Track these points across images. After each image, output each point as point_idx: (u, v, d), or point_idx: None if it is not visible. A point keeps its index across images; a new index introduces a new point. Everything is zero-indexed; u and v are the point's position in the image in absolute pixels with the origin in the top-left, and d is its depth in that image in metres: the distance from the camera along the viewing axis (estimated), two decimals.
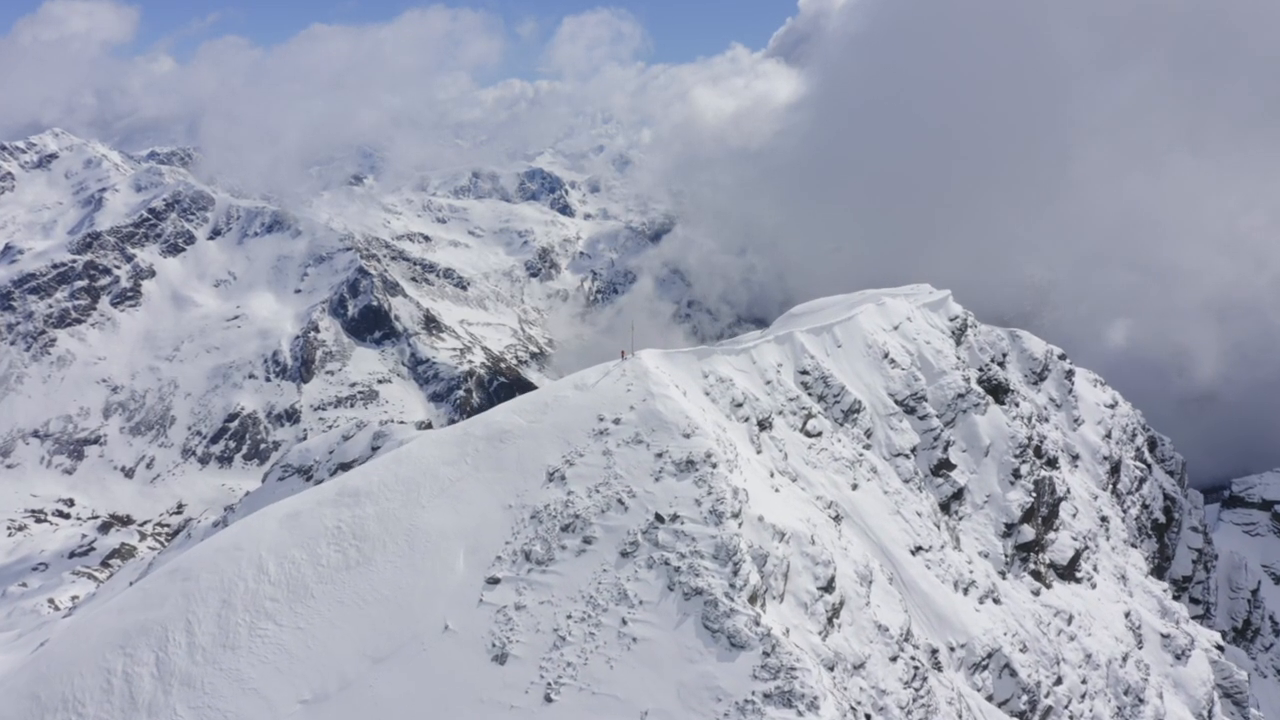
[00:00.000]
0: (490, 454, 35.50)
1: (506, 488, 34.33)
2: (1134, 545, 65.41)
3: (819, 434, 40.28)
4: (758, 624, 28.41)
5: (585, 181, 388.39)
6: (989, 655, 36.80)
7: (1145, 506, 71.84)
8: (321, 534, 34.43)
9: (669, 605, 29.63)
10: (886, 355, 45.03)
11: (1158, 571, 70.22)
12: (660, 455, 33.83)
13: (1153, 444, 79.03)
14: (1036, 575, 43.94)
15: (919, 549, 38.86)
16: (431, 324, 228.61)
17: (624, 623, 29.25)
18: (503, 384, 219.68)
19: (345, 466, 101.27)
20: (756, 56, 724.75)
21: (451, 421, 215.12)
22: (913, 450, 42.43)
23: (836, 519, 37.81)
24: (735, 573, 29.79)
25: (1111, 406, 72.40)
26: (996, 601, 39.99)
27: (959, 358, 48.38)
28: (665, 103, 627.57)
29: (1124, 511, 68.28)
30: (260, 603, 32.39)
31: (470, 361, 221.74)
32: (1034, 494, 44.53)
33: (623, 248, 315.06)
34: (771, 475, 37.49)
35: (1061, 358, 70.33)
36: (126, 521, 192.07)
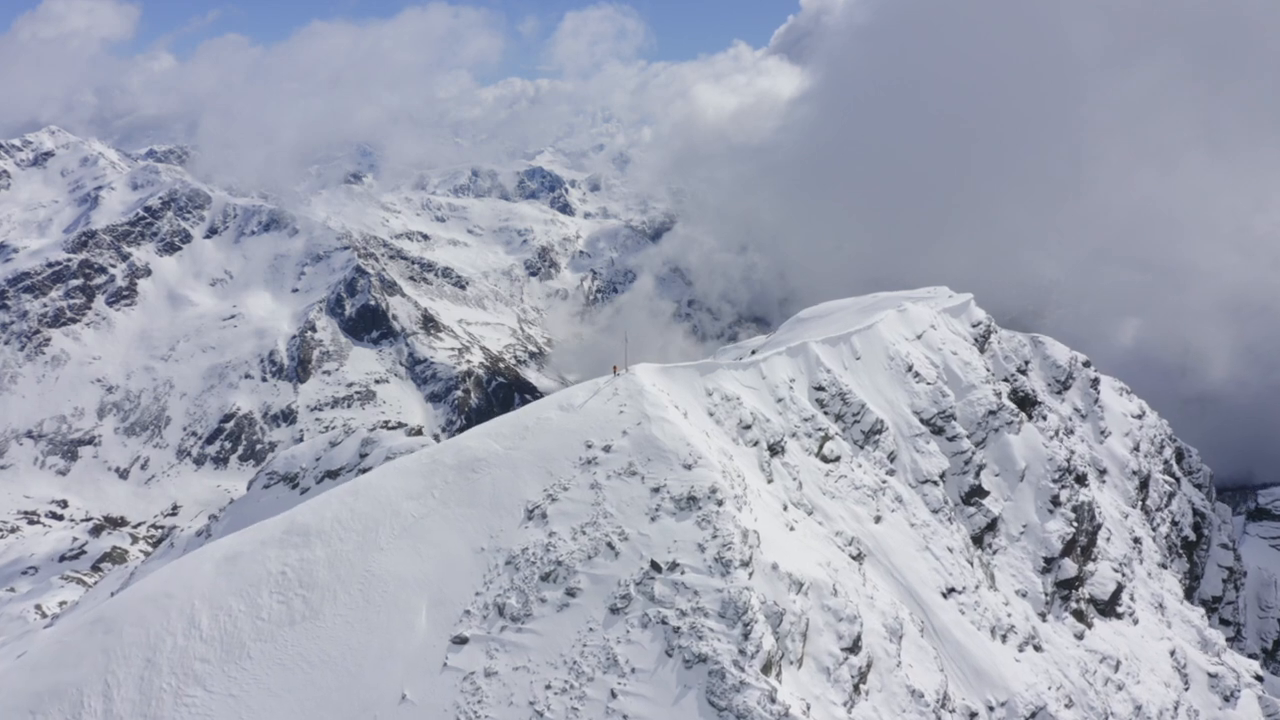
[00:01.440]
0: (461, 486, 30.34)
1: (478, 527, 29.20)
2: (1164, 566, 60.27)
3: (837, 459, 35.11)
4: (773, 701, 23.28)
5: (585, 180, 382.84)
6: (1033, 715, 31.66)
7: (1175, 523, 66.65)
8: (264, 581, 29.30)
9: (667, 674, 24.52)
10: (910, 368, 39.81)
11: (1188, 593, 65.09)
12: (657, 490, 28.68)
13: (1179, 455, 73.82)
14: (1078, 615, 38.76)
15: (951, 590, 33.70)
16: (429, 323, 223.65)
17: (613, 695, 24.16)
18: (501, 384, 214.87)
19: (332, 474, 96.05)
20: (759, 54, 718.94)
21: (449, 422, 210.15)
22: (941, 476, 37.24)
23: (858, 557, 32.64)
24: (746, 635, 24.64)
25: (1139, 417, 67.14)
26: (1038, 649, 34.86)
27: (988, 369, 43.16)
28: (666, 100, 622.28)
29: (1153, 530, 63.09)
30: (189, 663, 27.29)
31: (468, 361, 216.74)
32: (1075, 523, 39.36)
33: (622, 246, 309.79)
34: (785, 508, 32.32)
35: (1086, 364, 65.10)
36: (120, 523, 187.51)
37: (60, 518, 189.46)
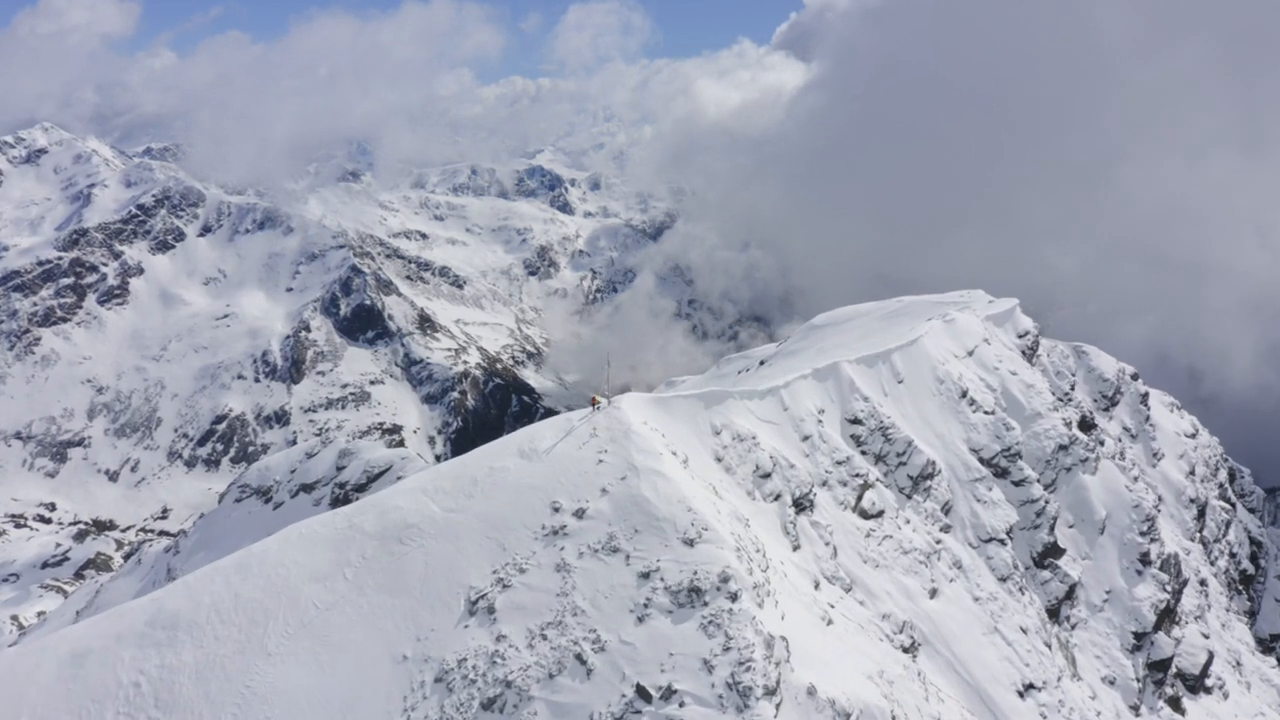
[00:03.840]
0: (383, 564, 21.93)
1: (402, 624, 20.81)
2: (1229, 609, 51.76)
3: (879, 513, 26.70)
4: None
5: (585, 179, 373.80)
6: None
7: (1233, 555, 58.12)
8: (110, 695, 20.86)
9: None
10: (965, 394, 31.39)
11: None
12: (647, 576, 20.31)
13: (1231, 476, 65.28)
14: (1173, 702, 30.36)
15: (1029, 687, 25.31)
16: (426, 323, 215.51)
17: None
18: (499, 385, 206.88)
19: (308, 488, 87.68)
20: (763, 50, 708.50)
21: (445, 424, 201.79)
22: (1008, 532, 28.81)
23: (912, 648, 24.23)
24: None
25: (1192, 436, 58.57)
26: None
27: (1054, 394, 34.67)
28: (668, 98, 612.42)
29: (1211, 564, 54.57)
30: None
31: (465, 362, 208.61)
32: (1169, 586, 31.00)
33: (622, 245, 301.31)
34: (817, 586, 23.89)
35: (1134, 377, 56.53)
36: (109, 527, 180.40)
37: (48, 521, 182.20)
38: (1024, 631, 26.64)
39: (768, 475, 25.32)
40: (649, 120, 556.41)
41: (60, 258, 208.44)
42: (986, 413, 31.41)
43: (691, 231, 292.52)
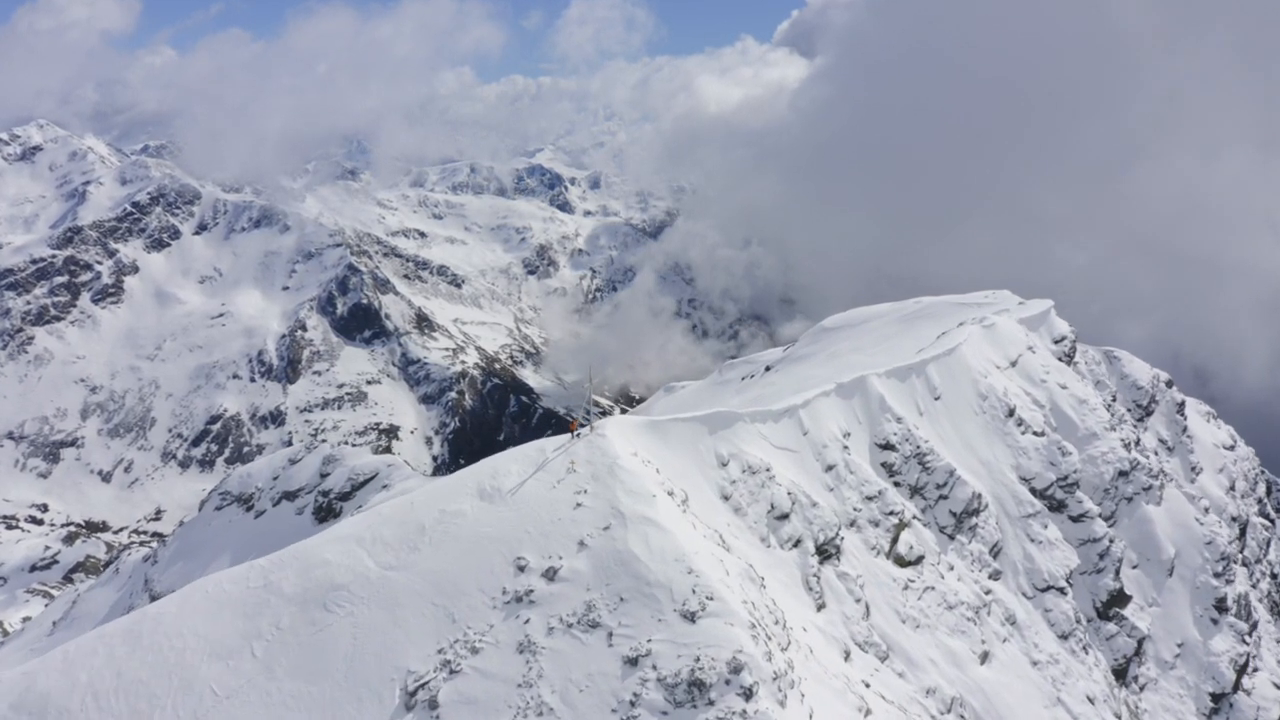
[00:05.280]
0: (302, 637, 17.04)
1: None
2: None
3: (918, 559, 21.82)
4: None
5: (585, 178, 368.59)
6: None
7: (1274, 577, 53.17)
8: None
9: None
10: (1012, 412, 26.50)
11: None
12: (635, 662, 15.42)
13: (1268, 489, 60.30)
14: None
15: None
16: (423, 323, 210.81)
17: None
18: (497, 385, 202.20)
19: (290, 496, 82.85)
20: (765, 48, 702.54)
21: (443, 424, 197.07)
22: (1068, 578, 23.92)
23: None
24: None
25: (1230, 448, 53.59)
26: None
27: (1110, 410, 29.77)
28: (669, 95, 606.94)
29: (1254, 586, 49.61)
30: None
31: (463, 362, 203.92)
32: (1248, 637, 26.15)
33: (622, 244, 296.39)
34: (847, 656, 18.99)
35: (1168, 384, 51.59)
36: (102, 528, 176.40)
37: (40, 522, 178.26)
38: (1090, 701, 21.86)
39: (785, 516, 20.51)
40: (650, 119, 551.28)
41: (54, 256, 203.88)
42: (1036, 434, 26.57)
43: (692, 229, 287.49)
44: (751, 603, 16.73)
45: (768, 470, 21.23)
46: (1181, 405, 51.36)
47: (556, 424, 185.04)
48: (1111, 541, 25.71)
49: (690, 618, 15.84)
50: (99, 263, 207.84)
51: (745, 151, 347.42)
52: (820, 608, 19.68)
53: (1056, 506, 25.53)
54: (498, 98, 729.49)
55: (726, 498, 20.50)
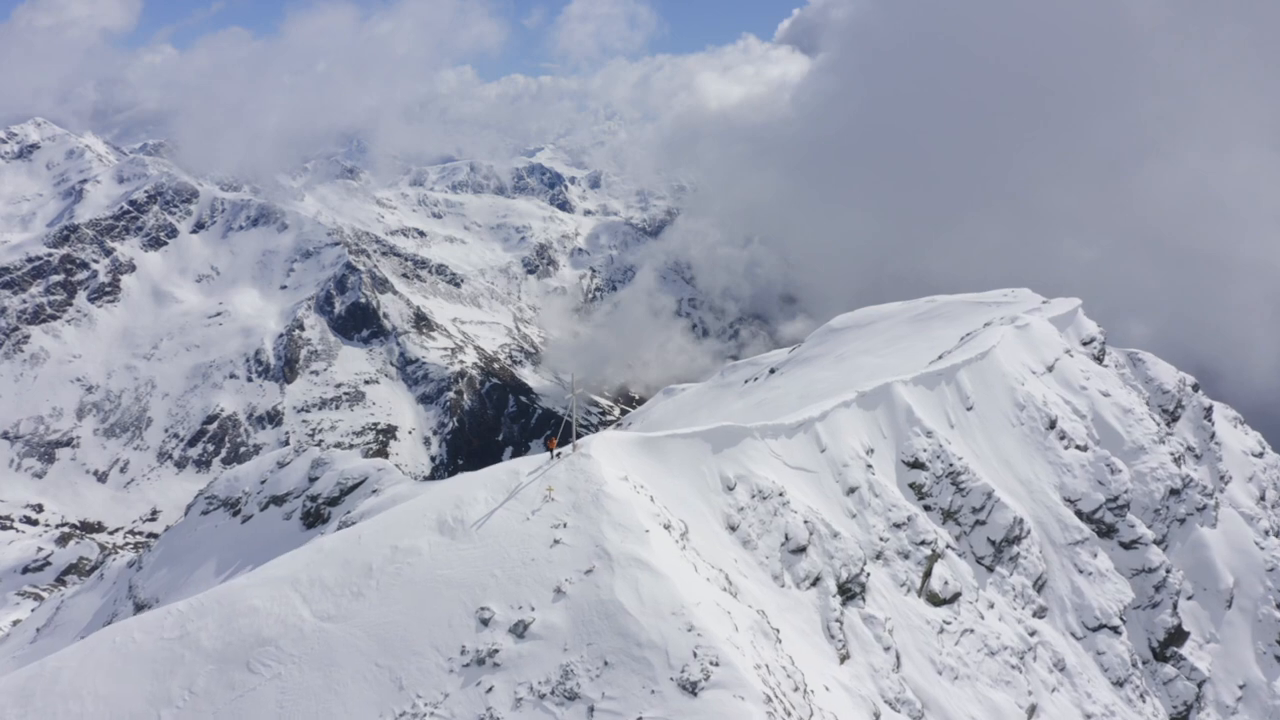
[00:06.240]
0: (219, 704, 13.94)
1: None
2: None
3: (954, 596, 18.73)
4: None
5: (585, 177, 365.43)
6: None
7: None
8: None
9: None
10: (1053, 424, 23.33)
11: None
12: None
13: None
14: None
15: None
16: (422, 322, 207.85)
17: None
18: (495, 385, 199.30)
19: (278, 500, 79.85)
20: (767, 46, 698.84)
21: (441, 424, 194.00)
22: (1122, 615, 20.81)
23: None
24: None
25: (1259, 455, 50.42)
26: None
27: (1156, 420, 26.64)
28: (670, 93, 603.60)
29: None
30: None
31: (462, 361, 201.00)
32: None
33: (622, 243, 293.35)
34: (876, 718, 15.87)
35: (1194, 388, 48.39)
36: (97, 529, 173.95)
37: (34, 523, 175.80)
38: None
39: (802, 550, 17.41)
40: (651, 118, 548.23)
41: (51, 254, 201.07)
42: (1080, 448, 23.46)
43: (692, 227, 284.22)
44: (766, 666, 13.64)
45: (781, 495, 18.09)
46: (1209, 410, 48.20)
47: (556, 424, 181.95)
48: (1169, 571, 22.61)
49: (691, 689, 12.72)
50: (95, 261, 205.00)
51: (746, 149, 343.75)
52: (844, 659, 16.61)
53: (1106, 532, 22.39)
54: (498, 96, 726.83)
55: (733, 528, 17.37)
